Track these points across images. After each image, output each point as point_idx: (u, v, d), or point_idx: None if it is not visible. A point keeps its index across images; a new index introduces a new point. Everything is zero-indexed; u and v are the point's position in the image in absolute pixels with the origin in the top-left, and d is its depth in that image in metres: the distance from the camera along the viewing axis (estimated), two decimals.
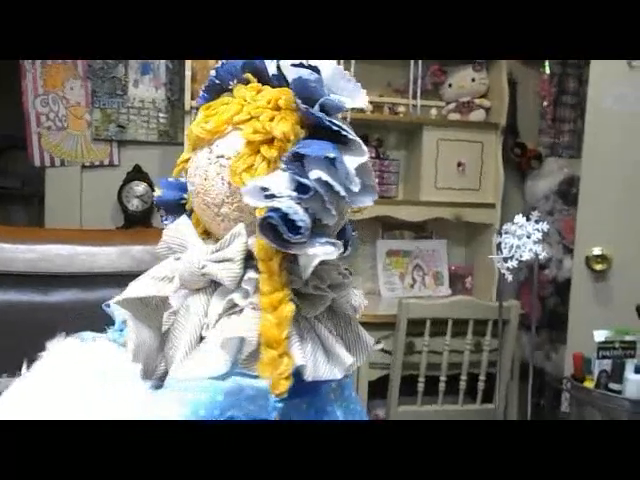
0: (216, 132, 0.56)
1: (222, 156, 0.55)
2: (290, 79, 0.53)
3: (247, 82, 0.58)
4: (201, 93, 0.60)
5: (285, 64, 0.55)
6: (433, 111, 2.16)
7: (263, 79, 0.58)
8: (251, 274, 0.54)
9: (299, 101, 0.52)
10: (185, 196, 0.63)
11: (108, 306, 0.63)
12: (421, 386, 1.79)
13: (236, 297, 0.54)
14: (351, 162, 0.51)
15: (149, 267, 0.87)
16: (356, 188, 0.51)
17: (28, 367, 0.69)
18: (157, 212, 0.68)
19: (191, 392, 0.50)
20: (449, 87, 2.19)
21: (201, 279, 0.55)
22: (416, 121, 2.12)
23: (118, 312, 0.62)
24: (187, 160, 0.60)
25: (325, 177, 0.50)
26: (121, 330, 0.61)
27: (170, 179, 0.65)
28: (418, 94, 2.12)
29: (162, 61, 2.15)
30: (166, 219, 0.65)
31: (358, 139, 0.52)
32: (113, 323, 0.64)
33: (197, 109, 0.61)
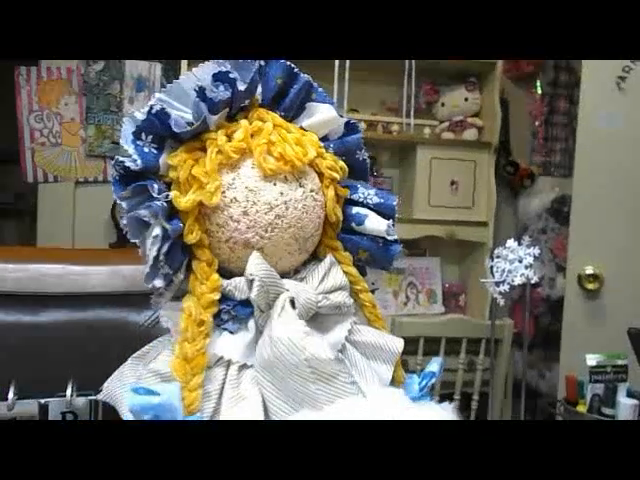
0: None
1: (313, 190, 0.57)
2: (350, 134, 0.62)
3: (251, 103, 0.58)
4: (205, 107, 0.53)
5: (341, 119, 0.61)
6: (426, 130, 2.18)
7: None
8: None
9: (362, 152, 0.62)
10: (181, 226, 0.54)
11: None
12: None
13: (353, 319, 0.59)
14: None
15: (140, 287, 0.87)
16: None
17: (15, 393, 0.68)
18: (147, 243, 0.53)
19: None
20: (442, 106, 2.21)
21: (309, 316, 0.54)
22: (409, 139, 2.13)
23: (177, 402, 0.49)
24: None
25: None
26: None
27: (159, 204, 0.52)
28: (411, 113, 2.14)
29: (157, 78, 2.16)
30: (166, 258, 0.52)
31: None
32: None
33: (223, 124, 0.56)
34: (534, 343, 2.09)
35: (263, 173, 0.54)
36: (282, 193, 0.54)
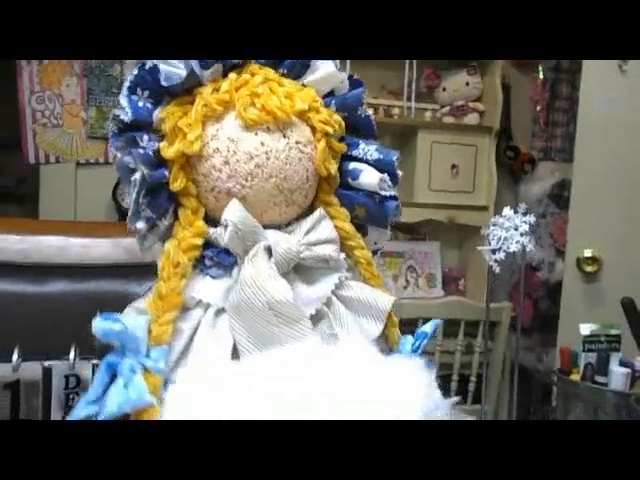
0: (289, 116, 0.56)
1: (300, 142, 0.57)
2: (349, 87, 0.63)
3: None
4: (196, 61, 0.54)
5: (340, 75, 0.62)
6: (427, 114, 2.18)
7: None
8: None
9: (364, 108, 0.63)
10: (166, 174, 0.55)
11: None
12: None
13: (342, 274, 0.59)
14: None
15: (141, 259, 0.88)
16: None
17: (19, 356, 0.69)
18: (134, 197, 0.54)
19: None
20: (443, 90, 2.21)
21: (290, 266, 0.55)
22: (410, 123, 2.13)
23: (141, 333, 0.50)
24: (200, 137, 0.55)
25: None
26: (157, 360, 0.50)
27: (141, 151, 0.53)
28: (412, 97, 2.14)
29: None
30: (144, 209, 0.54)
31: None
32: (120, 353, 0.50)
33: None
34: (532, 327, 2.11)
35: (244, 123, 0.55)
36: (263, 143, 0.55)
